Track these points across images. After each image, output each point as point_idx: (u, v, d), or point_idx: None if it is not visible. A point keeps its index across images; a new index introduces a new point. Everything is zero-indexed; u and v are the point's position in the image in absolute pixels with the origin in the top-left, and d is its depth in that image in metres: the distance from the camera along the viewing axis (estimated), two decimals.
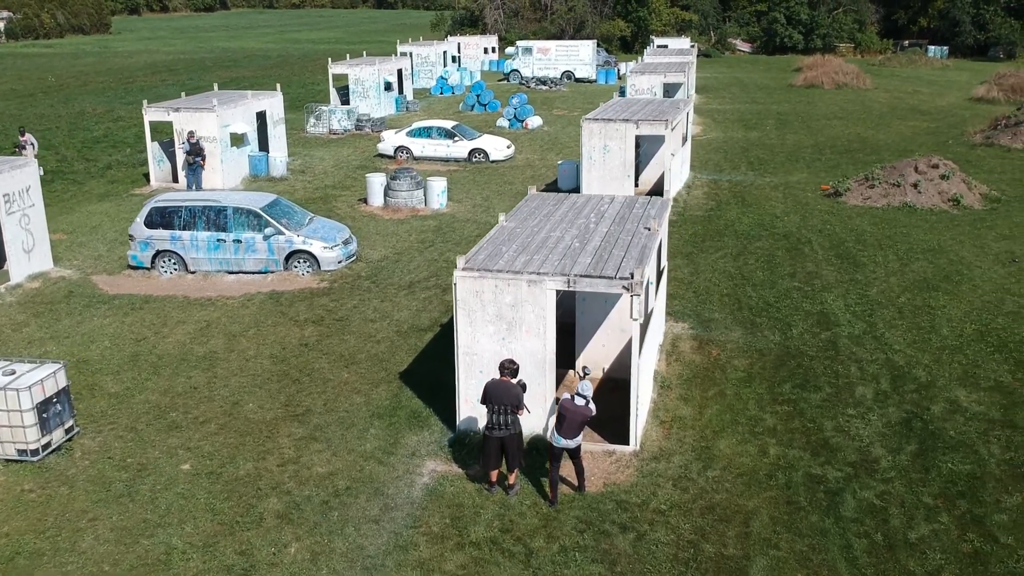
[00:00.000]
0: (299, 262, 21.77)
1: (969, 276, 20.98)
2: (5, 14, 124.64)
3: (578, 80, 63.08)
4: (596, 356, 15.93)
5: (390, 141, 35.57)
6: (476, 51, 73.01)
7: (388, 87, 47.40)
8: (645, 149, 30.06)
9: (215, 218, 21.73)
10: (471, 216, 26.95)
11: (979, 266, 21.70)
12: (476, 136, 35.36)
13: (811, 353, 16.91)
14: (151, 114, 30.75)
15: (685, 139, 32.29)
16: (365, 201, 28.46)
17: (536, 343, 13.22)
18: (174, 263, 21.95)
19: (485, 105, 47.75)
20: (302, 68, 75.30)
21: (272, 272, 21.82)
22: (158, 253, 21.93)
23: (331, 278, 21.51)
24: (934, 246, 23.32)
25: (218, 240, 21.65)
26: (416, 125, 35.78)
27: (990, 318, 18.42)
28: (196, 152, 30.03)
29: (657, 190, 28.81)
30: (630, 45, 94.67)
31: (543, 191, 30.41)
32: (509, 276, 13.06)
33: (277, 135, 34.37)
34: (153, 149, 31.37)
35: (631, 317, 12.77)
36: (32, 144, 30.44)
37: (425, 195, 27.80)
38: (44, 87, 63.36)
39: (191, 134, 30.05)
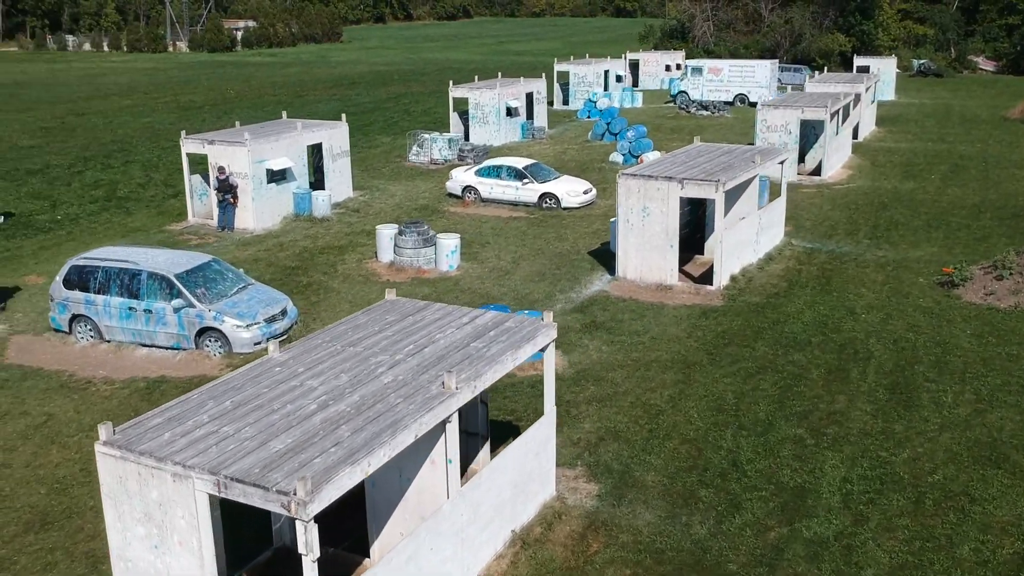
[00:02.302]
0: (211, 340, 18.60)
1: None
2: (248, 24, 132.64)
3: (752, 104, 56.36)
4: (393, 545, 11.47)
5: (458, 180, 31.89)
6: (656, 68, 67.75)
7: (511, 112, 43.69)
8: (712, 211, 24.48)
9: (129, 283, 19.01)
10: (476, 285, 22.76)
11: None
12: (551, 178, 30.92)
13: (732, 568, 11.52)
14: (188, 146, 28.86)
15: (779, 192, 26.35)
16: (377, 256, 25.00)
17: (190, 561, 9.11)
18: (90, 329, 19.46)
19: (616, 135, 42.93)
20: None
21: (184, 349, 18.82)
22: (75, 317, 19.54)
23: (242, 362, 18.14)
24: None
25: (130, 308, 18.91)
26: (486, 163, 31.87)
27: None
28: (225, 189, 27.83)
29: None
30: (851, 63, 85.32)
31: (594, 251, 25.68)
32: (152, 465, 9.05)
33: (338, 169, 31.65)
34: (194, 182, 29.49)
35: (300, 551, 8.38)
36: None
37: (435, 254, 23.92)
38: (223, 98, 64.97)
39: (221, 169, 27.88)
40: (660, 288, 22.26)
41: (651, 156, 37.20)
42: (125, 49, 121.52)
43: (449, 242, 23.77)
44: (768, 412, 15.69)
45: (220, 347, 18.50)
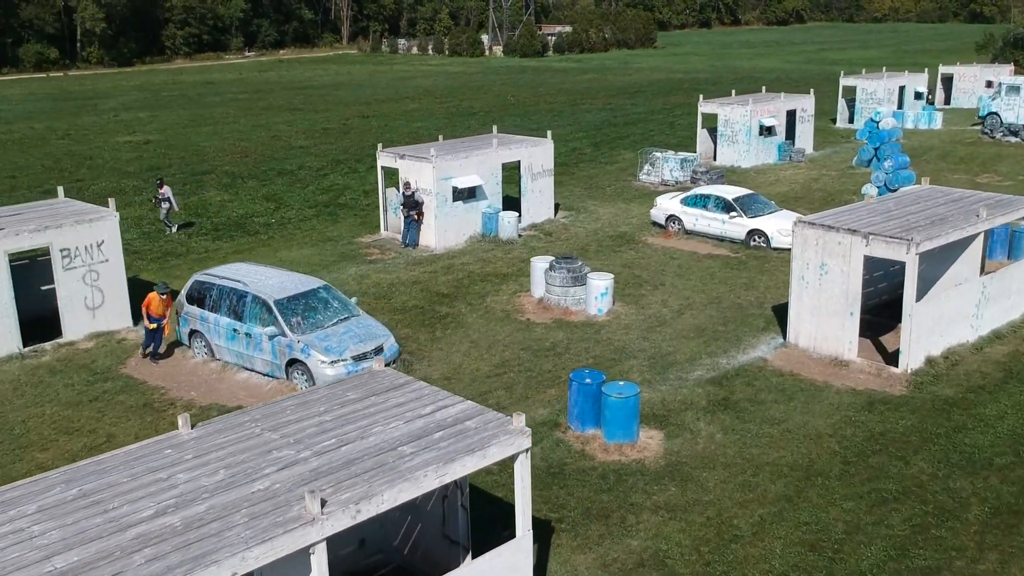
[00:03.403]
0: (298, 373, 17.68)
1: None
2: (563, 29, 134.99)
3: None
4: None
5: (662, 207, 29.01)
6: (974, 85, 59.21)
7: (768, 131, 39.64)
8: (925, 270, 19.88)
9: (236, 304, 18.62)
10: (618, 336, 20.09)
11: None
12: (764, 212, 27.13)
13: None
14: (383, 159, 28.58)
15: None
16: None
17: None
18: (204, 346, 19.34)
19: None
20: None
21: (276, 379, 18.08)
22: (193, 332, 19.51)
23: None
24: None
25: (234, 330, 18.51)
26: (695, 191, 28.67)
27: None
28: (411, 205, 27.19)
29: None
30: None
31: (781, 306, 21.75)
32: None
33: (537, 189, 30.00)
34: (389, 195, 29.16)
35: None
36: (168, 199, 29.75)
37: (586, 294, 21.51)
38: (500, 105, 65.74)
39: (407, 185, 27.29)
40: (834, 363, 18.35)
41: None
42: (447, 53, 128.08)
43: (600, 283, 21.27)
44: (878, 561, 11.90)
45: (307, 381, 17.53)
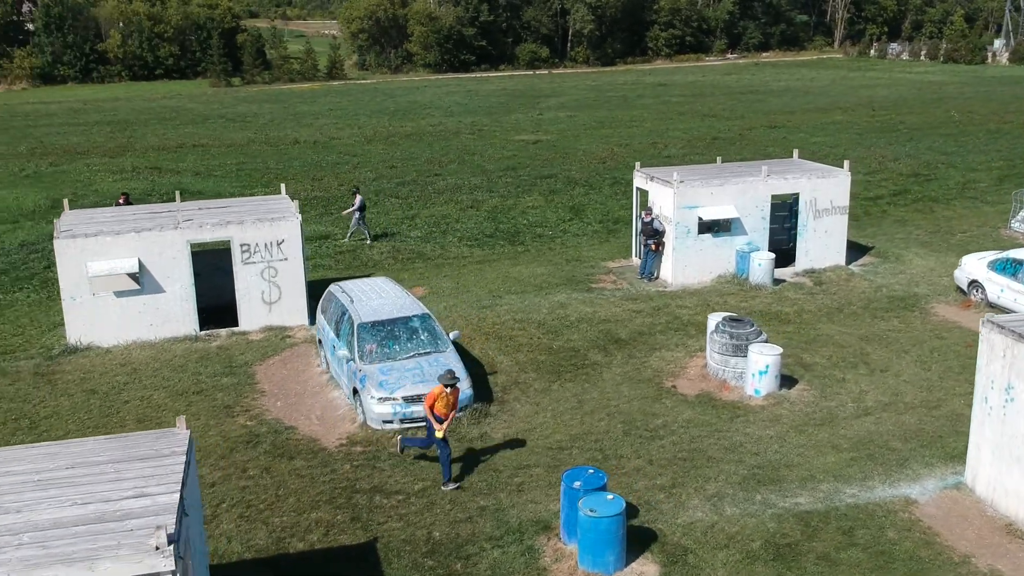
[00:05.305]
0: (359, 403, 16.72)
1: None
2: None
3: None
4: None
5: (967, 269, 22.66)
6: None
7: None
8: None
9: (340, 320, 18.21)
10: (756, 431, 15.99)
11: None
12: None
13: None
14: (638, 179, 26.13)
15: None
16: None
17: None
18: (324, 357, 19.21)
19: None
20: None
21: (350, 404, 17.34)
22: (320, 342, 19.49)
23: (365, 439, 15.98)
24: None
25: (334, 346, 18.13)
26: (1008, 253, 21.85)
27: None
28: (648, 233, 24.62)
29: None
30: None
31: None
32: None
33: (822, 228, 25.19)
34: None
35: None
36: (360, 209, 28.92)
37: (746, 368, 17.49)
38: (938, 122, 57.18)
39: (648, 211, 24.73)
40: (1006, 530, 12.76)
41: None
42: (941, 59, 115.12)
43: (760, 358, 17.09)
44: None
45: (362, 413, 16.54)
